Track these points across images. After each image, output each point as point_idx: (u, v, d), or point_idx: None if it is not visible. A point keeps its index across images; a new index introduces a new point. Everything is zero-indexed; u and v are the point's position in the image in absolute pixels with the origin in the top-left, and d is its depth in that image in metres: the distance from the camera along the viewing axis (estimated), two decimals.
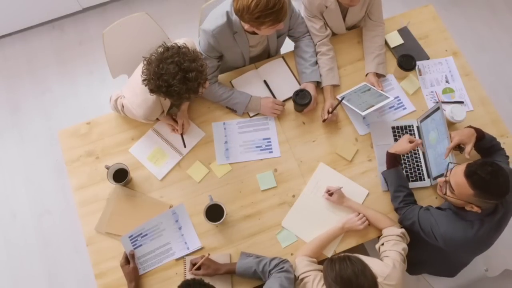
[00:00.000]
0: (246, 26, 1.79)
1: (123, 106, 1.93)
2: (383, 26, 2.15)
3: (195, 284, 1.47)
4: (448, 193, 1.61)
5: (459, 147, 1.81)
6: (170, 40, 2.03)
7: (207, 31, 1.87)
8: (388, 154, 1.90)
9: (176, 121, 2.00)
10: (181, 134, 2.00)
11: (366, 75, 2.13)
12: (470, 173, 1.51)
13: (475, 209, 1.57)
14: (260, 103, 2.02)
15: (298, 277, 1.70)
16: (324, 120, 2.01)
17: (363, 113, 1.92)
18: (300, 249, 1.84)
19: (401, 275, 1.62)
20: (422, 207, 1.78)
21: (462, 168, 1.55)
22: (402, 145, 1.87)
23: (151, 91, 1.66)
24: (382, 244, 1.75)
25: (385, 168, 1.94)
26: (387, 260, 1.65)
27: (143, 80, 1.66)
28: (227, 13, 1.84)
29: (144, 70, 1.65)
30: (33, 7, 2.97)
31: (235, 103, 2.03)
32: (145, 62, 1.66)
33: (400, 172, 1.88)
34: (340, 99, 2.06)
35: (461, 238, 1.63)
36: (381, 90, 2.03)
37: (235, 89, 2.06)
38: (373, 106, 1.93)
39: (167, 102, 1.92)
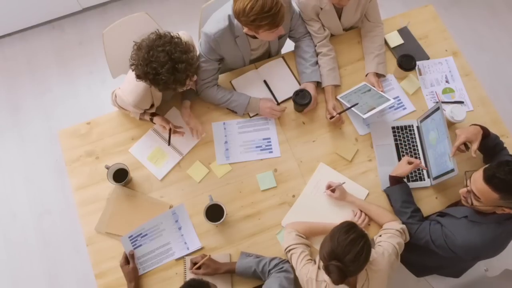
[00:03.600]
0: (245, 29, 1.78)
1: (116, 96, 1.93)
2: (381, 26, 2.15)
3: (196, 285, 1.45)
4: (475, 203, 1.57)
5: (464, 145, 1.80)
6: None
7: (208, 34, 1.86)
8: (390, 177, 1.90)
9: (167, 122, 1.96)
10: (169, 130, 1.95)
11: (366, 75, 2.13)
12: (490, 178, 1.49)
13: (507, 210, 1.54)
14: (258, 105, 2.02)
15: (286, 248, 1.74)
16: (331, 118, 1.99)
17: (364, 116, 1.92)
18: (292, 222, 1.86)
19: (387, 265, 1.61)
20: (431, 222, 1.76)
21: (480, 174, 1.53)
22: (402, 168, 1.87)
23: (138, 77, 1.65)
24: (380, 236, 1.76)
25: (385, 168, 1.95)
26: (378, 248, 1.65)
27: (131, 65, 1.65)
28: (229, 16, 1.83)
29: (133, 55, 1.64)
30: (33, 7, 2.97)
31: (234, 105, 2.02)
32: (135, 47, 1.65)
33: (405, 187, 1.86)
34: (341, 99, 2.06)
35: (480, 243, 1.60)
36: (381, 91, 2.03)
37: (234, 91, 2.05)
38: (374, 108, 1.93)
39: (158, 95, 1.91)
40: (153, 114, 1.99)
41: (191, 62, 1.63)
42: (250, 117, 2.08)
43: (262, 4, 1.63)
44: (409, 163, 1.86)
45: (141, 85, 1.79)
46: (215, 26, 1.85)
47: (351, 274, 1.43)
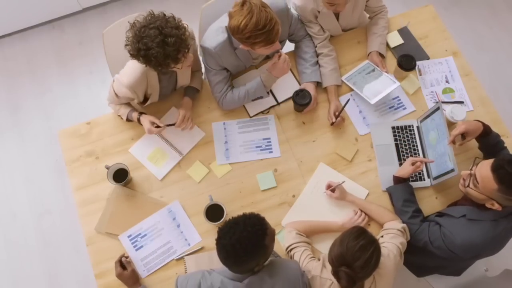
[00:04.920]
0: (242, 46, 1.78)
1: (114, 81, 1.89)
2: (385, 9, 2.17)
3: (253, 217, 1.42)
4: (472, 186, 1.59)
5: (462, 137, 1.80)
6: None
7: (209, 48, 1.85)
8: (394, 177, 1.90)
9: (156, 120, 1.92)
10: (167, 126, 1.92)
11: (368, 54, 2.15)
12: (497, 167, 1.50)
13: (496, 206, 1.55)
14: (271, 73, 1.94)
15: (287, 248, 1.74)
16: (332, 124, 2.01)
17: (372, 102, 1.96)
18: (292, 221, 1.86)
19: (393, 266, 1.61)
20: (429, 223, 1.76)
21: (489, 162, 1.54)
22: (405, 168, 1.87)
23: (131, 55, 1.67)
24: (382, 236, 1.76)
25: (385, 168, 1.95)
26: (383, 250, 1.65)
27: (126, 45, 1.67)
28: (227, 28, 1.82)
29: (127, 34, 1.67)
30: (33, 7, 2.97)
31: (254, 92, 2.00)
32: (129, 28, 1.67)
33: (408, 187, 1.86)
34: (345, 81, 2.08)
35: (480, 242, 1.61)
36: (385, 72, 2.07)
37: (247, 83, 2.02)
38: (380, 93, 1.97)
39: (154, 83, 1.88)
40: (141, 114, 1.93)
41: (182, 37, 1.64)
42: (250, 117, 2.08)
43: (256, 21, 1.63)
44: (413, 164, 1.86)
45: (138, 69, 1.79)
46: (214, 40, 1.84)
47: (360, 280, 1.44)
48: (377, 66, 2.09)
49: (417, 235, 1.76)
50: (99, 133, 2.05)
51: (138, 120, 1.94)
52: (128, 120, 1.97)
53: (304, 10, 2.01)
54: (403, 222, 1.80)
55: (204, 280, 1.50)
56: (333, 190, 1.88)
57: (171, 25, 1.62)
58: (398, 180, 1.88)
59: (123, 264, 1.77)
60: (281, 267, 1.54)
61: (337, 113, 2.00)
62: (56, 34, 3.20)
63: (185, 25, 1.69)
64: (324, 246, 1.83)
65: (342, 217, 1.88)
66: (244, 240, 1.36)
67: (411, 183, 1.92)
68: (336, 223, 1.84)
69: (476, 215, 1.64)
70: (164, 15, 1.65)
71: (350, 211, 1.89)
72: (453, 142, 1.78)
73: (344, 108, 2.00)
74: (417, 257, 1.90)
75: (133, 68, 1.81)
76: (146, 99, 1.96)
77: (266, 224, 1.43)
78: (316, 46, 2.10)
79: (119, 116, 2.00)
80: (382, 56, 2.14)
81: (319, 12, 2.02)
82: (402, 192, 1.84)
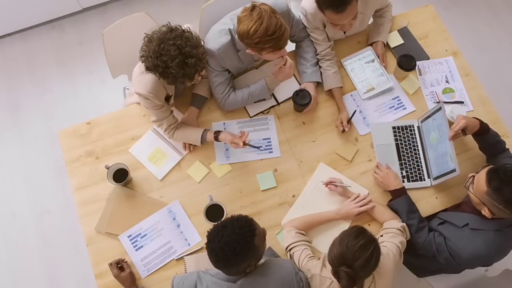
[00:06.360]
0: (248, 50, 1.78)
1: (128, 96, 1.86)
2: (390, 4, 2.18)
3: (242, 218, 1.44)
4: (470, 187, 1.61)
5: (462, 131, 1.80)
6: None
7: (212, 50, 1.84)
8: (390, 192, 1.88)
9: (236, 136, 1.89)
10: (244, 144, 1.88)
11: (373, 43, 2.16)
12: (492, 170, 1.52)
13: (487, 213, 1.55)
14: (275, 77, 1.94)
15: (287, 247, 1.74)
16: (343, 131, 2.01)
17: (363, 97, 2.02)
18: (289, 220, 1.86)
19: (392, 265, 1.61)
20: (434, 233, 1.75)
21: (491, 166, 1.56)
22: (393, 180, 1.87)
23: (147, 68, 1.66)
24: (381, 236, 1.75)
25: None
26: (382, 249, 1.64)
27: (141, 57, 1.66)
28: (230, 31, 1.83)
29: (143, 47, 1.66)
30: (33, 7, 2.97)
31: (258, 94, 2.00)
32: (145, 39, 1.66)
33: (408, 198, 1.84)
34: (344, 64, 2.13)
35: (485, 253, 1.61)
36: (384, 66, 2.10)
37: (249, 85, 2.02)
38: (373, 89, 2.03)
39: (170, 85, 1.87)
40: (216, 133, 1.91)
41: (200, 57, 1.64)
42: (250, 117, 2.08)
43: (266, 27, 1.64)
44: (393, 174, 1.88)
45: (151, 77, 1.76)
46: (217, 41, 1.84)
47: (360, 279, 1.44)
48: (378, 58, 2.11)
49: (425, 246, 1.76)
50: (99, 133, 2.05)
51: (216, 139, 1.91)
52: (201, 142, 1.94)
53: (314, 17, 1.99)
54: (411, 236, 1.79)
55: (200, 281, 1.51)
56: (335, 185, 1.87)
57: (191, 44, 1.61)
58: (396, 193, 1.86)
59: (121, 266, 1.77)
60: (275, 266, 1.55)
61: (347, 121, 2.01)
62: (56, 34, 3.20)
63: (202, 42, 1.68)
64: (324, 246, 1.83)
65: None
66: (232, 242, 1.37)
67: (411, 183, 1.92)
68: (332, 212, 1.84)
69: (479, 224, 1.64)
70: (183, 30, 1.64)
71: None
72: (458, 136, 1.78)
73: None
74: (419, 260, 1.90)
75: (144, 78, 1.77)
76: (167, 100, 1.93)
77: (255, 225, 1.44)
78: (318, 54, 2.09)
79: (191, 144, 1.99)
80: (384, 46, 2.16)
81: (327, 21, 2.01)
82: (405, 206, 1.82)
